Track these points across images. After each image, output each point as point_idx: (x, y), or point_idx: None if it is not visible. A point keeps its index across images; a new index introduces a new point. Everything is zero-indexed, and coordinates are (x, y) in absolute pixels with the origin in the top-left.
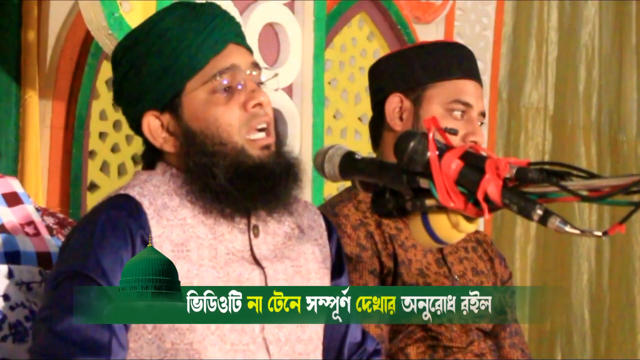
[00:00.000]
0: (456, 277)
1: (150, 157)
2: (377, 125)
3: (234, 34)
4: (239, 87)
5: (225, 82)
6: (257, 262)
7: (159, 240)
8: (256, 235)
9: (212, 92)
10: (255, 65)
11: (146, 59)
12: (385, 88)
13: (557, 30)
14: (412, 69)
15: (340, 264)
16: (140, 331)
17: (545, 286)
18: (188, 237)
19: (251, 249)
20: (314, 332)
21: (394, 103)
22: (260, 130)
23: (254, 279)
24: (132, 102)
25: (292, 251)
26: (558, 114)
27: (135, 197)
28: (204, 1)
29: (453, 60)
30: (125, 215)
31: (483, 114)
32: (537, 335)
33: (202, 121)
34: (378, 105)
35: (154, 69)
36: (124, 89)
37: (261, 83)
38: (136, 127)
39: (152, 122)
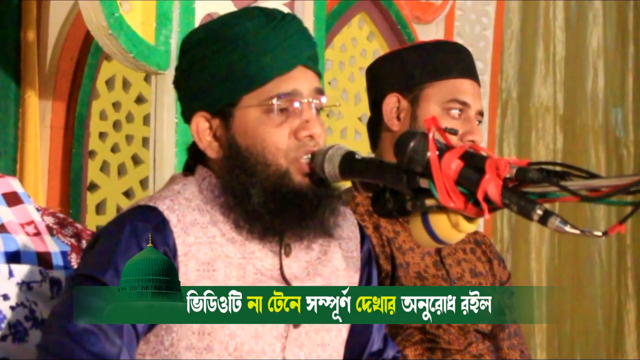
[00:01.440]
0: (454, 279)
1: (194, 154)
2: (375, 126)
3: (306, 56)
4: (295, 111)
5: (282, 106)
6: (286, 282)
7: (184, 259)
8: (287, 254)
9: (267, 111)
10: (319, 92)
11: (210, 60)
12: (382, 88)
13: (564, 29)
14: (409, 68)
15: (369, 276)
16: (157, 346)
17: (562, 287)
18: (216, 256)
19: (281, 269)
20: (335, 352)
21: (392, 103)
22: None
23: None
24: (187, 96)
25: (325, 267)
26: (568, 113)
27: (163, 213)
28: (286, 11)
29: (450, 60)
30: (150, 228)
31: (481, 113)
32: (557, 336)
33: (249, 138)
34: (376, 105)
35: (216, 72)
36: (184, 81)
37: (321, 109)
38: (186, 120)
39: (201, 124)
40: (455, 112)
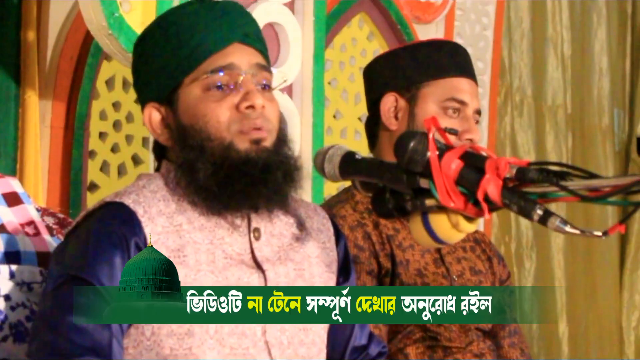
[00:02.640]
0: (454, 277)
1: (158, 151)
2: (373, 125)
3: (241, 33)
4: (235, 87)
5: (219, 80)
6: (258, 265)
7: (155, 247)
8: (257, 238)
9: (206, 88)
10: (261, 67)
11: (152, 51)
12: (380, 88)
13: (569, 29)
14: (406, 68)
15: (346, 269)
16: (139, 337)
17: (577, 287)
18: (185, 242)
19: (252, 252)
20: (317, 335)
21: (389, 102)
22: (254, 129)
23: (253, 282)
24: (138, 91)
25: (296, 253)
26: (576, 112)
27: (129, 206)
28: None
29: (447, 59)
30: (118, 223)
31: (478, 112)
32: (573, 336)
33: (192, 116)
34: (373, 105)
35: (157, 61)
36: (134, 78)
37: (268, 86)
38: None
39: (153, 114)
40: (452, 111)
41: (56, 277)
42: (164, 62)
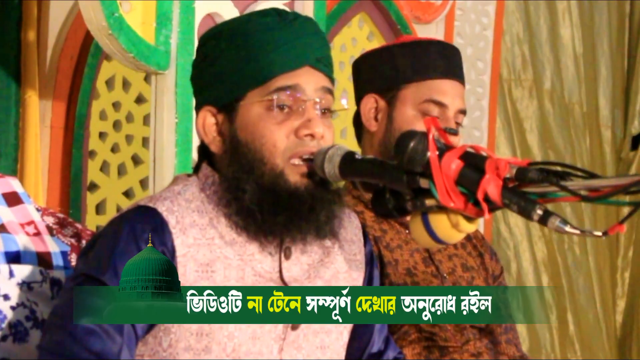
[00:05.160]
0: (445, 275)
1: (202, 152)
2: (357, 126)
3: (313, 58)
4: (298, 110)
5: (283, 101)
6: (285, 285)
7: (183, 260)
8: (287, 257)
9: (269, 108)
10: (326, 90)
11: (220, 55)
12: (362, 87)
13: (579, 27)
14: (388, 68)
15: (370, 275)
16: (155, 347)
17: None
18: (215, 257)
19: (280, 271)
20: (336, 354)
21: (369, 104)
22: (306, 159)
23: None
24: (197, 90)
25: (327, 270)
26: (591, 110)
27: (162, 214)
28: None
29: (430, 60)
30: (148, 229)
31: (462, 112)
32: (618, 334)
33: (249, 134)
34: (357, 104)
35: (223, 68)
36: (195, 74)
37: (328, 110)
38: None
39: (208, 119)
40: (433, 114)
41: (77, 274)
42: (230, 70)
